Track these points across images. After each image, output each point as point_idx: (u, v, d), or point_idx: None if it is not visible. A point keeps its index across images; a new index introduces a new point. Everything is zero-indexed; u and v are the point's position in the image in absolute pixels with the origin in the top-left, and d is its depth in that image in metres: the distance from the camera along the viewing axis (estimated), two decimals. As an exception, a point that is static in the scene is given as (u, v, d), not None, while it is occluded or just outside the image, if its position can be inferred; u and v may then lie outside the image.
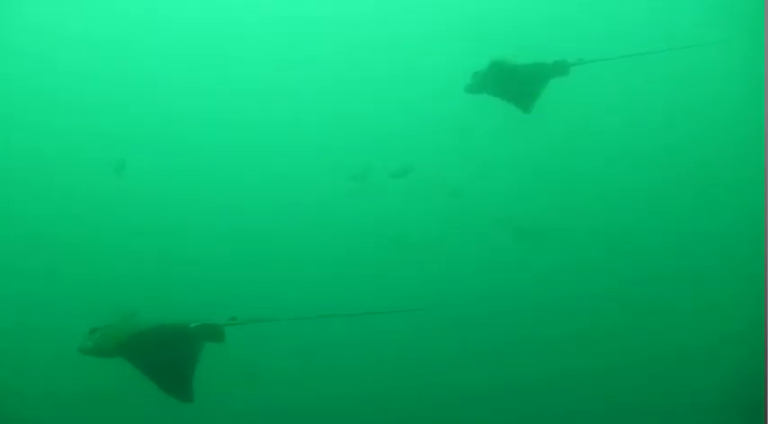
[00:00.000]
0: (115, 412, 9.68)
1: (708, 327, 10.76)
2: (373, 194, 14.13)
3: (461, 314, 11.63)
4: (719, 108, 13.89)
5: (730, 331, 10.36)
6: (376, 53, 16.69)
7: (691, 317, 11.16)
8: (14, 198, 14.07)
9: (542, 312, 11.84)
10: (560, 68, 7.84)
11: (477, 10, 15.76)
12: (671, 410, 9.88)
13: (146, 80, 16.54)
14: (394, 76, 16.37)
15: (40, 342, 10.87)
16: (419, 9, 16.75)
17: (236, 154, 15.67)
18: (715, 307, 11.10)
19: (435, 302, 10.68)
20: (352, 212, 14.14)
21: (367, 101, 16.11)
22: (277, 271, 12.98)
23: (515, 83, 7.86)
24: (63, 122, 15.69)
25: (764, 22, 9.47)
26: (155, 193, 14.37)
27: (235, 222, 14.22)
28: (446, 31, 15.95)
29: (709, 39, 9.43)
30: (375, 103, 16.08)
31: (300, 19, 17.12)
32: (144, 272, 12.42)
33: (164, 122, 16.05)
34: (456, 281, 12.48)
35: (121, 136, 15.37)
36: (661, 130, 14.28)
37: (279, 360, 10.90)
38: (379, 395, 10.55)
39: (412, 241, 13.52)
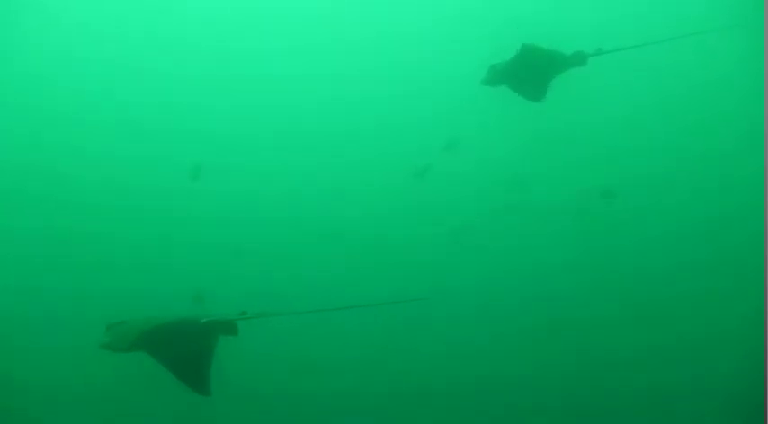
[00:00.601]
0: (123, 409, 9.71)
1: (708, 326, 10.83)
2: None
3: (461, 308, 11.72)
4: (725, 99, 13.88)
5: (730, 330, 10.43)
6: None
7: (691, 316, 11.22)
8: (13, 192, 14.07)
9: (541, 311, 11.90)
10: (578, 59, 7.86)
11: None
12: (671, 409, 9.92)
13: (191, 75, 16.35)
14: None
15: (43, 340, 10.92)
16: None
17: (259, 145, 15.54)
18: (715, 307, 11.18)
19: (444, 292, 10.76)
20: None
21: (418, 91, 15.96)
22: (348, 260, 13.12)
23: (534, 75, 7.84)
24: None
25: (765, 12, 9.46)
26: (159, 183, 14.33)
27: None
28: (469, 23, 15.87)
29: (715, 25, 9.35)
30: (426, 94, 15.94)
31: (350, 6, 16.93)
32: (158, 265, 12.45)
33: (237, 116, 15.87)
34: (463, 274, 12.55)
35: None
36: (668, 122, 14.30)
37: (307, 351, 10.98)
38: (413, 385, 10.66)
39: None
